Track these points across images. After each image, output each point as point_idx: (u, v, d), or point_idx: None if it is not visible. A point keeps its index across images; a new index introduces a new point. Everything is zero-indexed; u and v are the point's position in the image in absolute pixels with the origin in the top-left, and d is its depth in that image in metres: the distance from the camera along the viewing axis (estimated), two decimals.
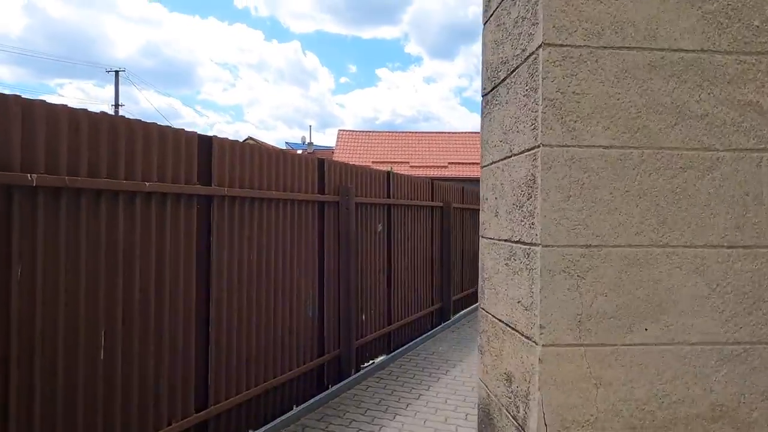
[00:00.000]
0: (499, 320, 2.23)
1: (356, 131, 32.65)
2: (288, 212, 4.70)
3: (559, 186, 1.78)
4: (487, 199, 2.46)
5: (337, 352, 5.43)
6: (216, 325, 3.82)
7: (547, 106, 1.79)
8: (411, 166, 26.73)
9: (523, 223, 1.94)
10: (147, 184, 3.20)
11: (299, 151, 32.66)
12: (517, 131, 2.02)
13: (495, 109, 2.33)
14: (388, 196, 6.67)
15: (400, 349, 6.62)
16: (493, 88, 2.36)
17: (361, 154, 28.73)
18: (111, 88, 29.43)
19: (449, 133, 31.93)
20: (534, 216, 1.84)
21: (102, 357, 2.97)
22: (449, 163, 28.51)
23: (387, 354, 6.56)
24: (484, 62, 2.51)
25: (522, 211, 1.95)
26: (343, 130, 32.26)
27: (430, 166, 27.71)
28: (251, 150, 4.28)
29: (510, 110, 2.11)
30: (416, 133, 32.47)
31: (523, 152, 1.95)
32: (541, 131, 1.79)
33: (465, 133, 31.60)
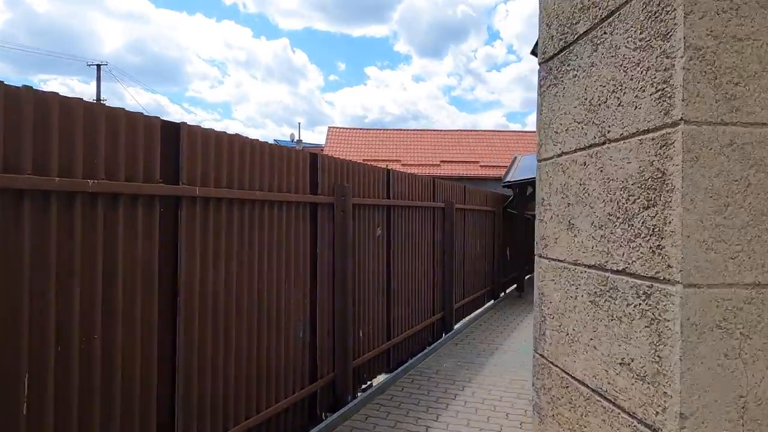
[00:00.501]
0: (578, 380, 1.54)
1: (346, 128, 31.82)
2: (275, 216, 3.99)
3: (712, 188, 1.11)
4: (549, 205, 1.78)
5: (331, 375, 4.73)
6: (185, 354, 3.11)
7: (692, 58, 1.10)
8: (402, 164, 25.92)
9: (634, 245, 1.26)
10: (90, 182, 2.48)
11: None
12: (619, 105, 1.33)
13: (566, 77, 1.64)
14: (388, 197, 5.98)
15: (402, 368, 5.93)
16: (562, 50, 1.67)
17: (351, 151, 27.88)
18: (96, 84, 28.31)
19: (442, 130, 31.21)
20: (662, 236, 1.16)
21: (25, 411, 2.24)
22: (441, 161, 27.78)
23: (387, 373, 5.88)
24: (545, 15, 1.82)
25: (631, 225, 1.27)
26: (333, 127, 31.41)
27: (422, 165, 26.95)
28: (230, 141, 3.55)
29: (601, 75, 1.43)
30: (407, 130, 31.70)
31: (634, 135, 1.27)
32: (682, 99, 1.11)
33: (457, 130, 30.91)
